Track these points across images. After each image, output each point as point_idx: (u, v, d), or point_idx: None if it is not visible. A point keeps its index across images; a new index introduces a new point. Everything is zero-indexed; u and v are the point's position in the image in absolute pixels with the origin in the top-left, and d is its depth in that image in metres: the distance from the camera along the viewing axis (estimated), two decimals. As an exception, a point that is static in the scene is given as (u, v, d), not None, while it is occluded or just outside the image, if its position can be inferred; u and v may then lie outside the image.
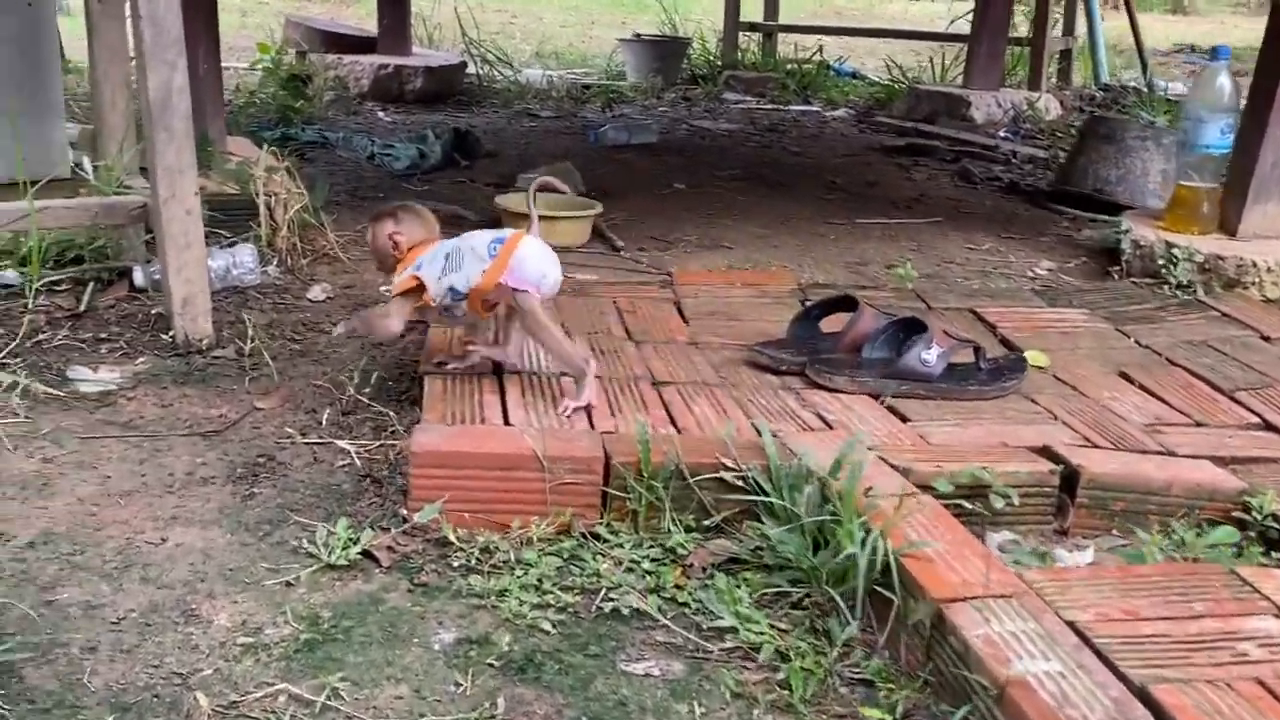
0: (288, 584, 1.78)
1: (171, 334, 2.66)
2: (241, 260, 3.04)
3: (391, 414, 2.38)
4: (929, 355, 2.43)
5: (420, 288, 2.30)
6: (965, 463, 2.05)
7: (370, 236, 2.45)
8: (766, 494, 1.93)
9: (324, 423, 2.36)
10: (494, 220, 3.99)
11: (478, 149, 5.33)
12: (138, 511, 1.97)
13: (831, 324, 2.67)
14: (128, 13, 2.91)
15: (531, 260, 2.30)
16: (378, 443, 2.27)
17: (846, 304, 2.68)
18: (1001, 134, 6.36)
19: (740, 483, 1.97)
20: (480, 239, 2.33)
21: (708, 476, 1.96)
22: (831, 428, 2.22)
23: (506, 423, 2.13)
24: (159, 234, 2.59)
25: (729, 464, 1.98)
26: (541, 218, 3.85)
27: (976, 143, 6.03)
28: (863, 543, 1.73)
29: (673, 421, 2.20)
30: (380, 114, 6.34)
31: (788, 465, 1.97)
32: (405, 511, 1.96)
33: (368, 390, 2.47)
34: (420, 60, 6.83)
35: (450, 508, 1.93)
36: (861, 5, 17.19)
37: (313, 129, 5.47)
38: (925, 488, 1.97)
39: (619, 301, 2.94)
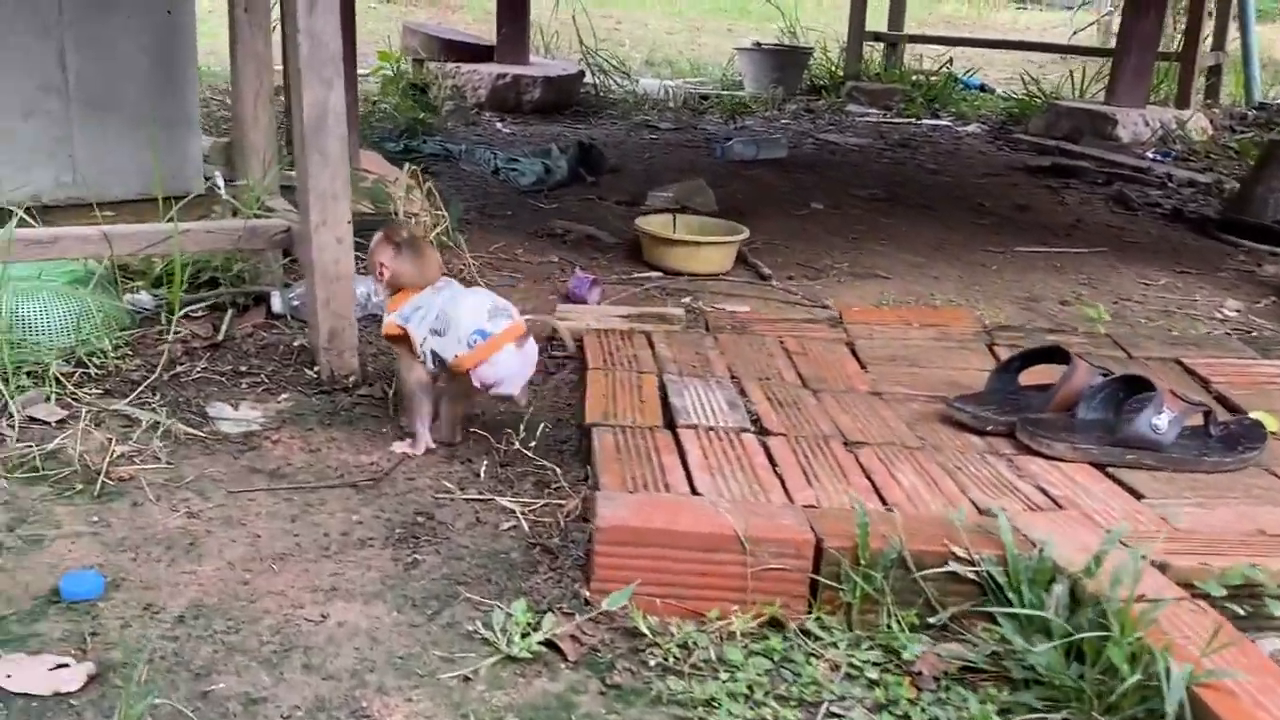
0: (465, 679, 1.57)
1: (316, 369, 2.48)
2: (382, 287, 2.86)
3: (553, 467, 2.16)
4: (1159, 421, 2.14)
5: (406, 337, 2.19)
6: (1228, 556, 1.77)
7: (372, 245, 2.23)
8: (1003, 589, 1.68)
9: (482, 475, 2.15)
10: (634, 243, 3.78)
11: (602, 164, 5.13)
12: (294, 580, 1.78)
13: (1031, 376, 2.40)
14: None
15: (504, 366, 2.17)
16: (542, 501, 2.05)
17: (1053, 355, 2.41)
18: (1151, 155, 5.98)
19: (971, 574, 1.71)
20: (467, 320, 2.15)
21: (936, 571, 1.71)
22: (1061, 506, 1.95)
23: (693, 490, 1.90)
24: (307, 263, 2.41)
25: (959, 552, 1.72)
26: (684, 242, 3.68)
27: (1127, 164, 5.67)
28: (1133, 658, 1.47)
29: (878, 493, 1.95)
30: (499, 125, 6.18)
31: (1027, 557, 1.70)
32: (588, 593, 1.74)
33: (522, 431, 2.27)
34: (538, 70, 6.67)
35: (639, 591, 1.71)
36: (970, 14, 16.71)
37: (435, 141, 5.32)
38: (1186, 586, 1.70)
39: (786, 342, 2.70)
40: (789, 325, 2.83)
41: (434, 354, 2.17)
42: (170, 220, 2.55)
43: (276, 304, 2.81)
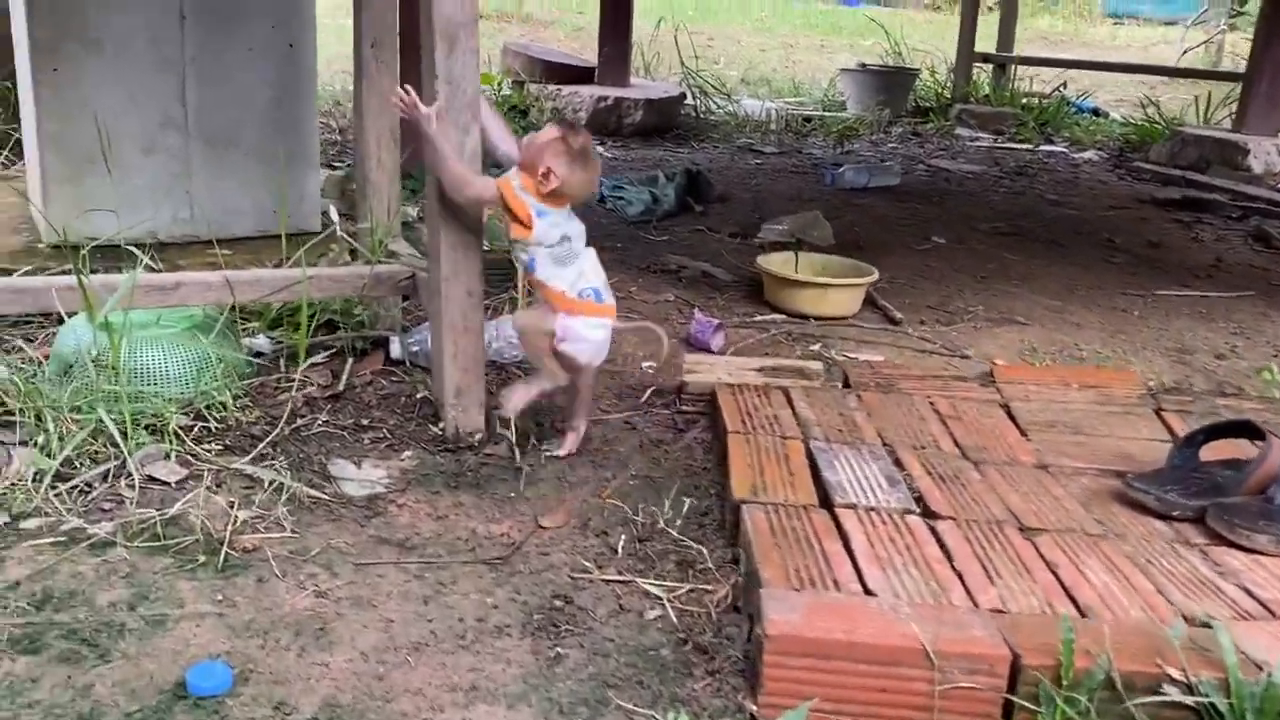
0: (627, 807, 1.42)
1: (440, 425, 2.35)
2: (506, 333, 2.73)
3: (697, 547, 2.01)
4: (1378, 513, 1.92)
5: (526, 226, 2.14)
6: None
7: (535, 144, 2.15)
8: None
9: (619, 551, 2.00)
10: (752, 281, 3.61)
11: (710, 192, 4.98)
12: (431, 675, 1.64)
13: (1214, 450, 2.19)
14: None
15: (591, 336, 2.21)
16: (688, 586, 1.89)
17: (1242, 430, 2.19)
18: (1287, 186, 5.66)
19: (1188, 700, 1.52)
20: (591, 272, 2.21)
21: (1151, 700, 1.51)
22: (1274, 613, 1.74)
23: (864, 588, 1.73)
24: (434, 314, 2.29)
25: (1174, 674, 1.53)
26: (810, 284, 3.50)
27: (1263, 197, 5.36)
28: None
29: (1068, 593, 1.75)
30: (600, 148, 6.05)
31: (1252, 682, 1.50)
32: (755, 708, 1.57)
33: (655, 501, 2.12)
34: (639, 92, 6.54)
35: (813, 710, 1.54)
36: (1066, 29, 16.28)
37: (538, 165, 5.20)
38: None
39: (937, 403, 2.51)
40: (938, 384, 2.64)
41: (531, 264, 2.16)
42: (294, 262, 2.45)
43: (395, 350, 2.70)
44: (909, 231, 4.60)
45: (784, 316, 3.38)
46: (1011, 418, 2.48)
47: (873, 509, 1.98)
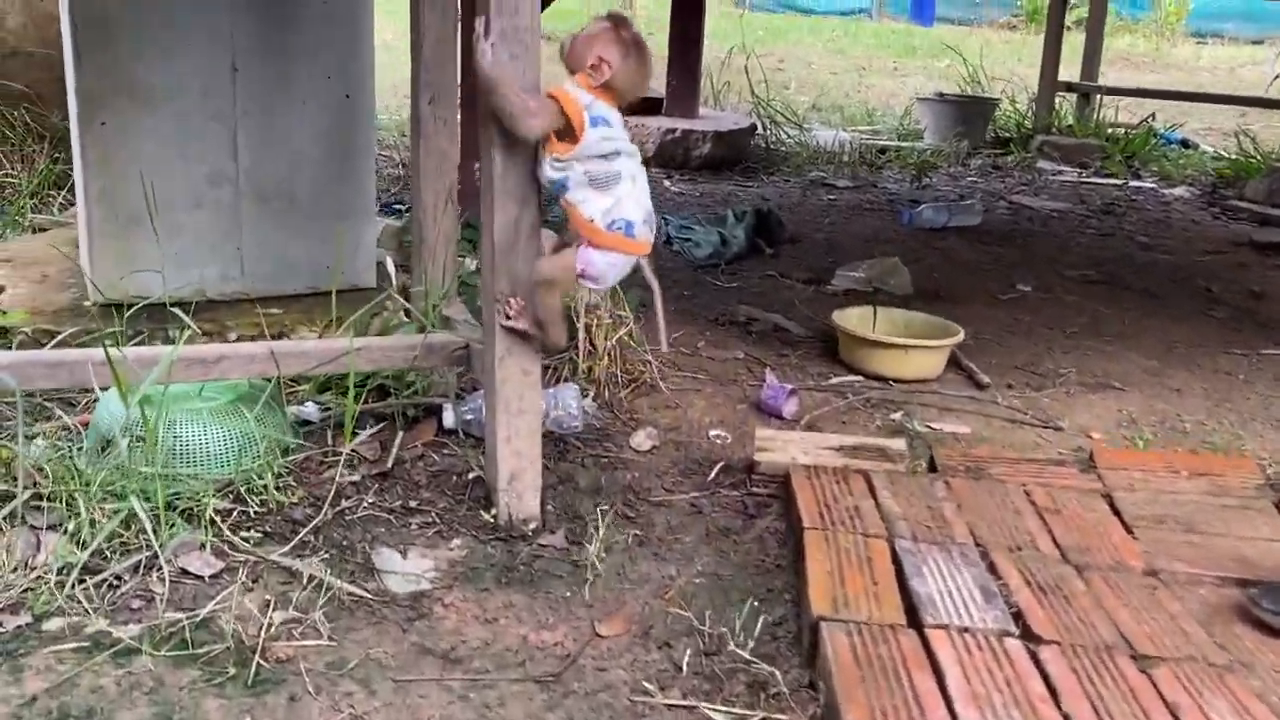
0: None
1: (493, 512, 2.19)
2: (565, 402, 2.58)
3: (768, 668, 1.82)
4: None
5: (575, 136, 1.93)
6: None
7: (582, 37, 1.99)
8: None
9: (684, 668, 1.82)
10: (826, 335, 3.42)
11: (781, 233, 4.78)
12: (472, 826, 1.48)
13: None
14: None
15: (613, 271, 2.05)
16: (759, 715, 1.71)
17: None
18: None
19: None
20: (629, 204, 2.00)
21: None
22: None
23: (960, 733, 1.53)
24: (489, 392, 2.14)
25: None
26: (891, 345, 3.29)
27: (1372, 240, 5.03)
28: None
29: (1195, 747, 1.54)
30: (666, 183, 5.90)
31: None
32: None
33: (723, 605, 1.94)
34: (708, 124, 6.37)
35: None
36: (1147, 49, 15.81)
37: (603, 203, 5.05)
38: None
39: (1033, 493, 2.29)
40: (1033, 469, 2.42)
41: (563, 184, 1.97)
42: (344, 329, 2.31)
43: (449, 419, 2.55)
44: (992, 278, 4.36)
45: (861, 379, 3.17)
46: (1115, 511, 2.26)
47: (967, 630, 1.78)
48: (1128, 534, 2.17)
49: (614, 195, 1.99)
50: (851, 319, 3.33)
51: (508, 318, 2.00)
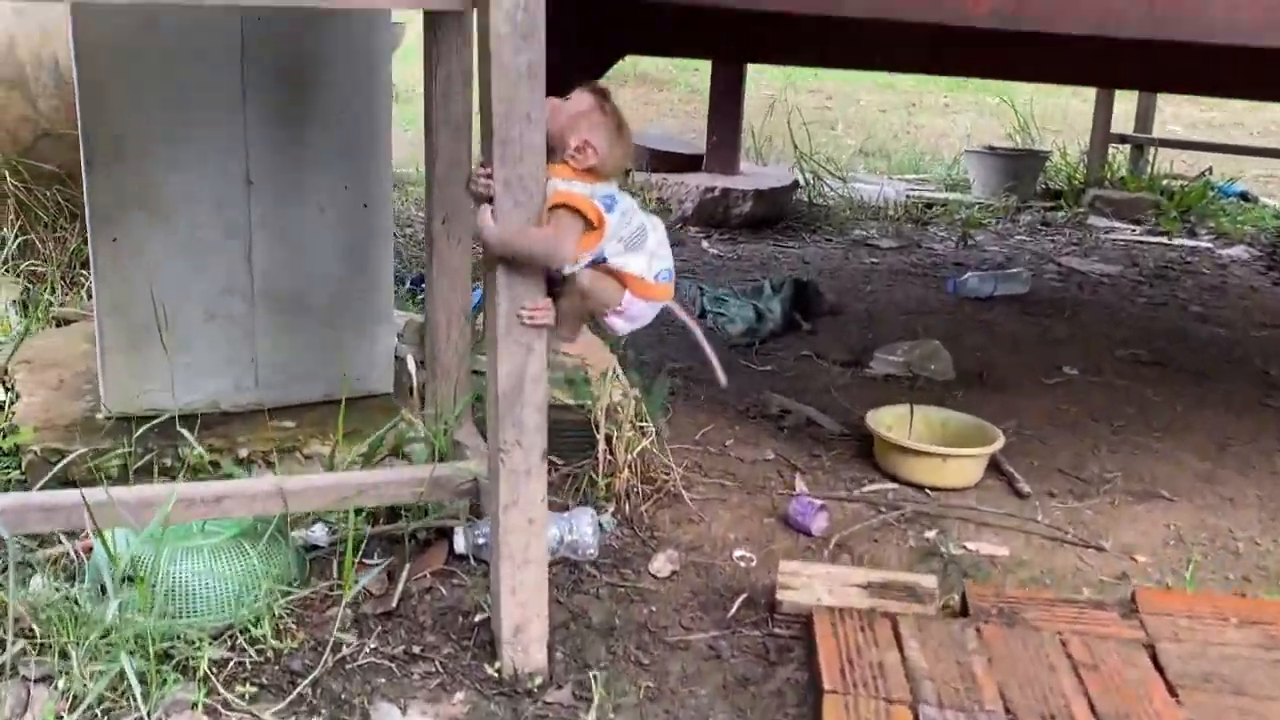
0: None
1: (497, 665, 2.10)
2: (580, 529, 2.49)
3: None
4: None
5: (595, 225, 1.88)
6: None
7: (564, 117, 1.89)
8: None
9: None
10: (861, 432, 3.28)
11: (820, 305, 4.66)
12: None
13: None
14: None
15: (648, 315, 2.04)
16: None
17: None
18: None
19: None
20: (663, 252, 1.99)
21: None
22: None
23: None
24: (494, 541, 2.05)
25: None
26: (928, 454, 3.16)
27: None
28: None
29: None
30: (704, 244, 5.80)
31: None
32: None
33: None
34: (749, 181, 6.27)
35: None
36: (1211, 104, 15.44)
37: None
38: None
39: (1069, 644, 2.16)
40: (1071, 612, 2.29)
41: (600, 258, 1.92)
42: (352, 460, 2.25)
43: (460, 544, 2.47)
44: (1038, 357, 4.21)
45: (896, 485, 3.05)
46: (1158, 666, 2.12)
47: (993, 831, 1.66)
48: (1171, 696, 2.03)
49: (648, 249, 1.97)
50: (887, 420, 3.20)
51: (530, 318, 1.91)
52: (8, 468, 2.63)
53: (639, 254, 1.96)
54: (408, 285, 4.31)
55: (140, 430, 2.48)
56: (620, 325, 2.03)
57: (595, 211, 1.89)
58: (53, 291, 3.94)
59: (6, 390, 2.89)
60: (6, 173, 4.01)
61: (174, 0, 2.19)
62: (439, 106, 2.34)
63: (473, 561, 2.47)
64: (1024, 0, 1.93)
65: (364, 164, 2.67)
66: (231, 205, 2.57)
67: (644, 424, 2.82)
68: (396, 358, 3.04)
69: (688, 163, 6.42)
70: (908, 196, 6.87)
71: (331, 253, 2.69)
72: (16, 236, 4.00)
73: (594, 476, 2.75)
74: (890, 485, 3.06)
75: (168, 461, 2.55)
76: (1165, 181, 7.13)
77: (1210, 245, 6.20)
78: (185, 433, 2.43)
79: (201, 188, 2.54)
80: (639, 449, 2.78)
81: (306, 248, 2.67)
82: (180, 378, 2.61)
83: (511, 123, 1.78)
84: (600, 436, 2.76)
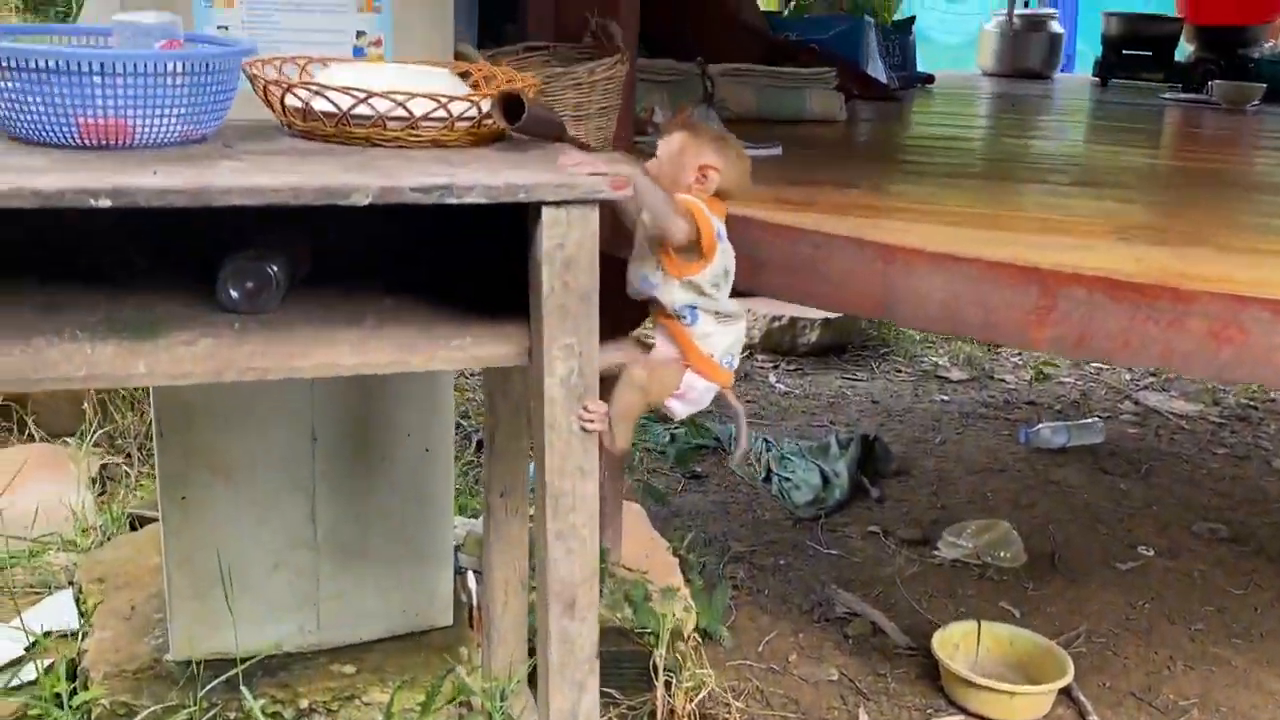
0: None
1: None
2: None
3: None
4: None
5: (705, 250, 1.78)
6: None
7: (677, 145, 1.81)
8: None
9: None
10: (929, 653, 3.20)
11: (887, 463, 4.61)
12: None
13: None
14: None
15: (703, 399, 1.90)
16: None
17: None
18: None
19: None
20: (740, 340, 1.88)
21: None
22: None
23: None
24: None
25: None
26: (990, 689, 3.07)
27: None
28: None
29: None
30: (771, 377, 5.79)
31: None
32: None
33: None
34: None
35: None
36: None
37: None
38: None
39: None
40: None
41: (694, 316, 1.82)
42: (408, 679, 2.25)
43: (516, 813, 2.47)
44: (1112, 532, 4.11)
45: (962, 714, 2.99)
46: None
47: None
48: None
49: (735, 333, 1.86)
50: (955, 637, 3.14)
51: (588, 423, 1.80)
52: (76, 707, 2.70)
53: (726, 333, 1.85)
54: (474, 447, 4.31)
55: (207, 686, 2.52)
56: (679, 409, 1.93)
57: (711, 237, 1.78)
58: (130, 464, 4.05)
59: (81, 616, 2.95)
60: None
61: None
62: (497, 388, 2.36)
63: (529, 829, 2.47)
64: (1085, 335, 1.90)
65: (427, 412, 2.71)
66: (296, 463, 2.62)
67: (704, 670, 2.80)
68: (457, 571, 3.06)
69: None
70: (979, 313, 6.77)
71: (393, 497, 2.73)
72: (95, 411, 4.12)
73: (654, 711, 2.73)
74: (957, 718, 2.99)
75: (231, 715, 2.59)
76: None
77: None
78: (245, 691, 2.46)
79: (268, 449, 2.60)
80: (699, 698, 2.76)
81: (369, 496, 2.71)
82: (246, 625, 2.65)
83: (565, 476, 1.79)
84: (659, 684, 2.74)
